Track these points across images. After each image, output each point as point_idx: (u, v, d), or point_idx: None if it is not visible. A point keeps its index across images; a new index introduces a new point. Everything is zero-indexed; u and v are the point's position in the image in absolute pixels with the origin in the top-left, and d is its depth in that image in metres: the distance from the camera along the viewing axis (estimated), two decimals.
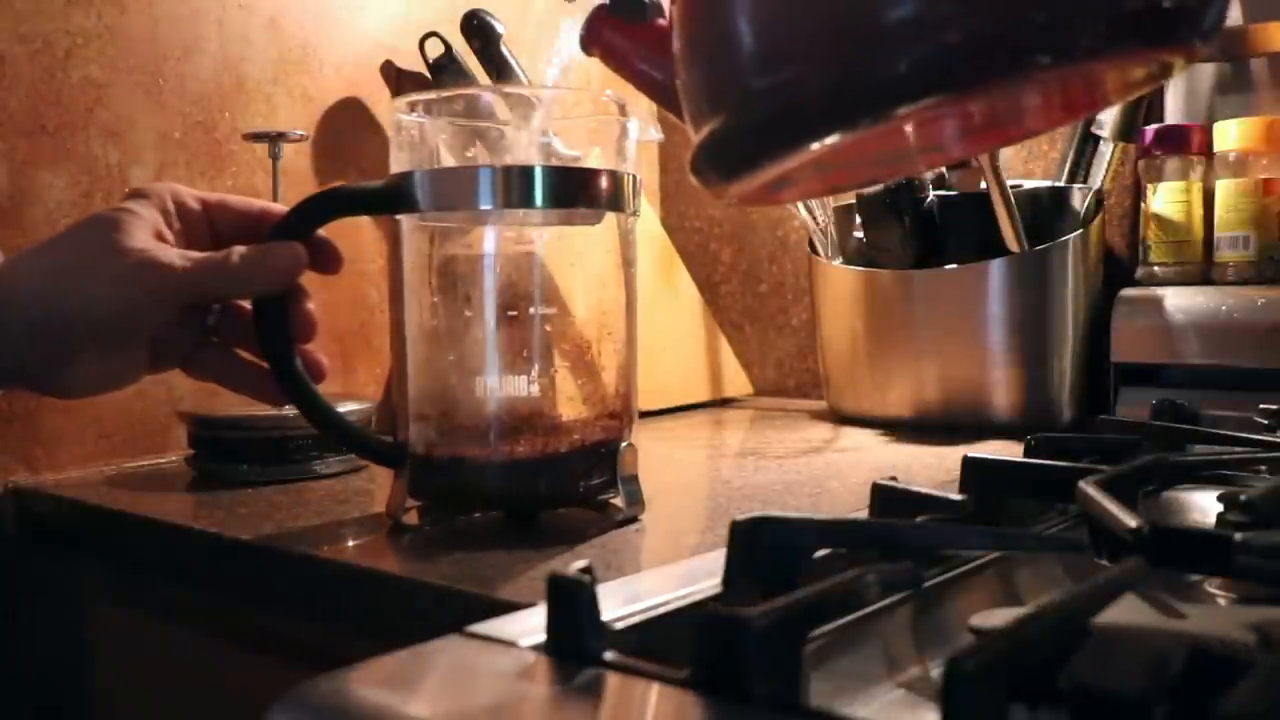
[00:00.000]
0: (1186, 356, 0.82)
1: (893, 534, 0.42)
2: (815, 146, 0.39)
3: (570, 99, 0.59)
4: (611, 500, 0.58)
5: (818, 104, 0.39)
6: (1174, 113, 0.91)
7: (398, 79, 0.92)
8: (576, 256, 0.59)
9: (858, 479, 0.69)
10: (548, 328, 0.57)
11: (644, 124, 0.59)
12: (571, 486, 0.57)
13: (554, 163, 0.55)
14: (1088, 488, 0.43)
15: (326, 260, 0.58)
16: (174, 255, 0.51)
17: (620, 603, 0.37)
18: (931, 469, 0.72)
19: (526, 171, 0.54)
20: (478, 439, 0.56)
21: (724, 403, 1.12)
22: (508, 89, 0.59)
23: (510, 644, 0.35)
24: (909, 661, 0.38)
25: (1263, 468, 0.57)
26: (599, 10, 0.56)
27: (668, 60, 0.52)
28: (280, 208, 0.58)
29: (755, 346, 1.21)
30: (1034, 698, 0.28)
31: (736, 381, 1.14)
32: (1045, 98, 0.48)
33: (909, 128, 0.49)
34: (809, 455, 0.79)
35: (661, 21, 0.56)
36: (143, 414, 0.81)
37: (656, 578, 0.43)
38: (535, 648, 0.35)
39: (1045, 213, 0.89)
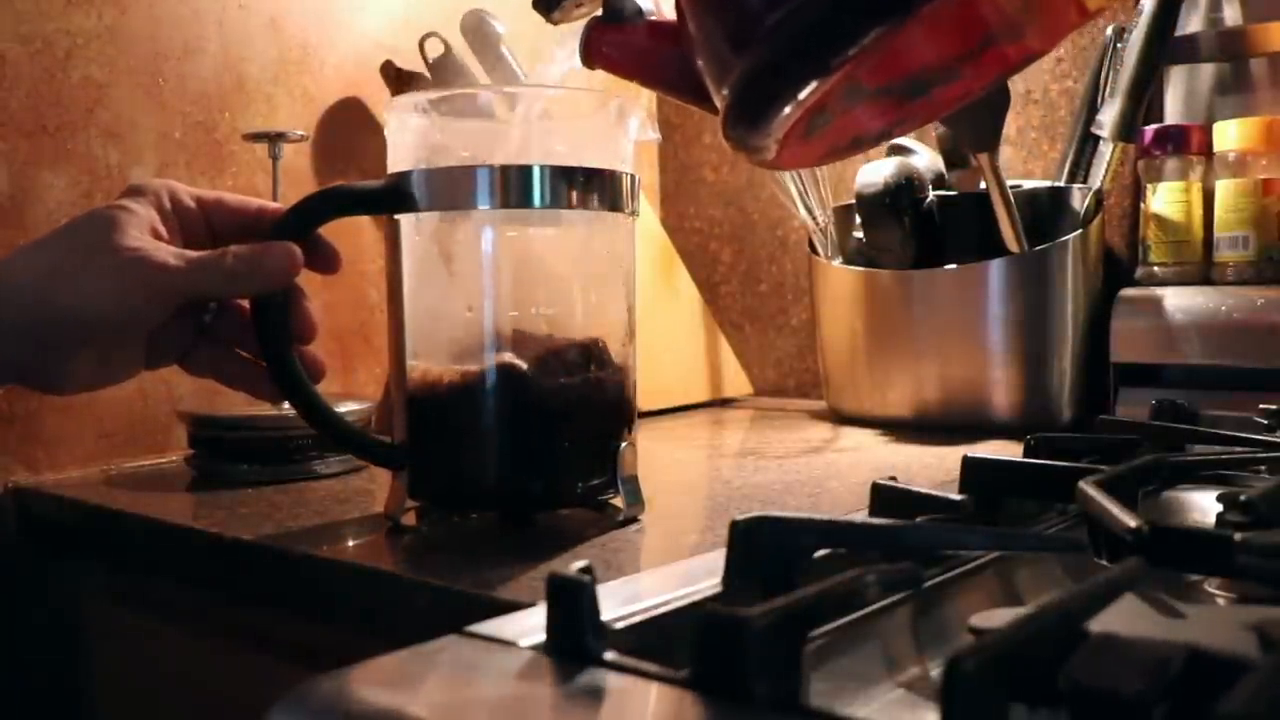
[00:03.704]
0: (1186, 356, 0.82)
1: (893, 534, 0.42)
2: (836, 64, 0.41)
3: (569, 99, 0.59)
4: (611, 500, 0.58)
5: (830, 22, 0.40)
6: (1174, 113, 0.91)
7: (397, 79, 0.92)
8: (576, 256, 0.58)
9: (858, 479, 0.69)
10: (547, 328, 0.57)
11: (642, 124, 0.59)
12: (571, 487, 0.57)
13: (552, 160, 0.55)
14: (1087, 488, 0.43)
15: (325, 260, 0.58)
16: (169, 254, 0.51)
17: (620, 603, 0.37)
18: (931, 469, 0.72)
19: (524, 171, 0.54)
20: (477, 440, 0.55)
21: (724, 403, 1.12)
22: (507, 89, 0.59)
23: (510, 644, 0.35)
24: (909, 661, 0.38)
25: (1263, 468, 0.57)
26: (593, 23, 0.56)
27: (670, 50, 0.53)
28: (277, 206, 0.58)
29: (755, 346, 1.21)
30: (1034, 698, 0.28)
31: (736, 381, 1.14)
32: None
33: (919, 46, 0.50)
34: (809, 455, 0.79)
35: (654, 18, 0.56)
36: (143, 414, 0.81)
37: (656, 578, 0.43)
38: (535, 648, 0.35)
39: (1045, 213, 0.89)
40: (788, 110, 0.44)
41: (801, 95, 0.43)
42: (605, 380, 0.57)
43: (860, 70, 0.44)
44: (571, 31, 0.58)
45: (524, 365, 0.55)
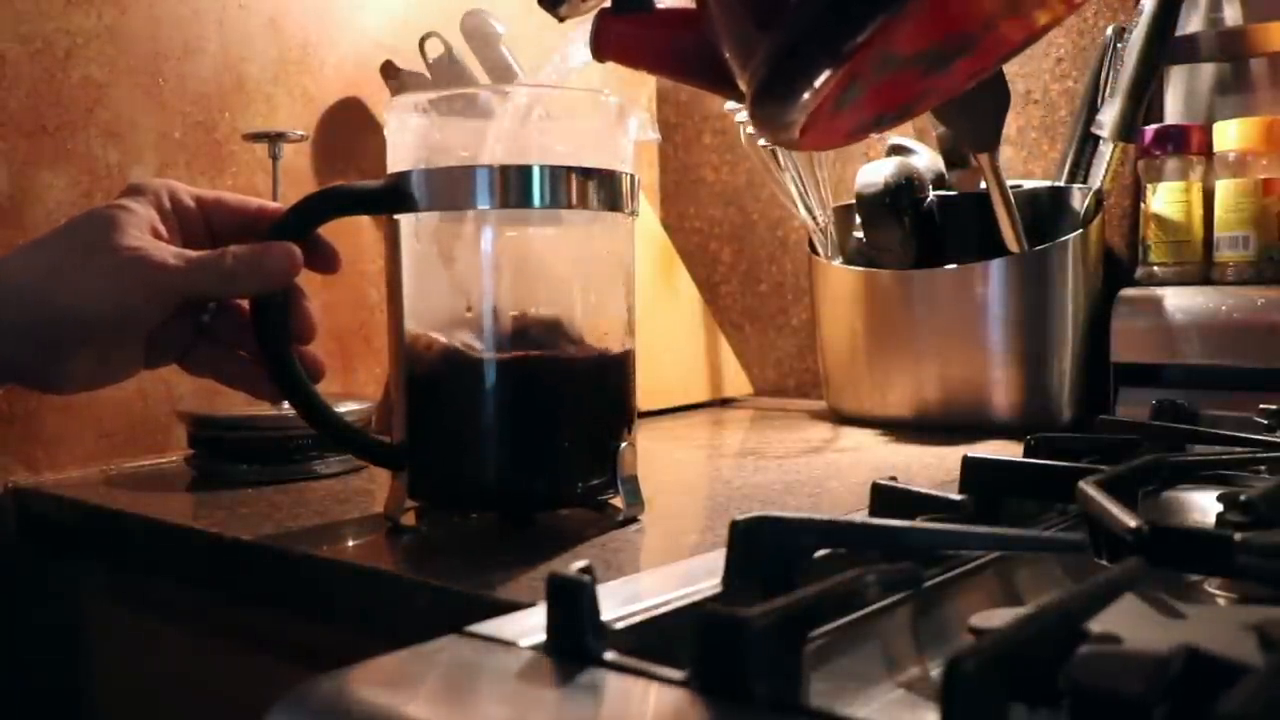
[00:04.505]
0: (1186, 356, 0.82)
1: (893, 534, 0.42)
2: (863, 35, 0.40)
3: (568, 99, 0.59)
4: (611, 500, 0.58)
5: None
6: (1174, 113, 0.91)
7: (398, 79, 0.92)
8: (576, 256, 0.58)
9: (858, 479, 0.69)
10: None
11: (642, 124, 0.59)
12: (571, 487, 0.57)
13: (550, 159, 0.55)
14: (1088, 488, 0.43)
15: (325, 260, 0.58)
16: (168, 253, 0.51)
17: (620, 603, 0.37)
18: (931, 469, 0.72)
19: (524, 171, 0.54)
20: (477, 440, 0.55)
21: (724, 403, 1.12)
22: (507, 89, 0.59)
23: (510, 644, 0.35)
24: (909, 661, 0.38)
25: (1263, 468, 0.57)
26: (603, 14, 0.56)
27: (682, 36, 0.52)
28: (277, 206, 0.58)
29: (755, 346, 1.21)
30: (1034, 698, 0.28)
31: (736, 381, 1.14)
32: None
33: (950, 9, 0.50)
34: (809, 455, 0.79)
35: (662, 5, 0.56)
36: (143, 414, 0.81)
37: (656, 578, 0.43)
38: (535, 648, 0.35)
39: (1045, 213, 0.89)
40: (819, 82, 0.44)
41: (832, 67, 0.43)
42: (577, 357, 0.56)
43: (893, 36, 0.44)
44: (576, 27, 0.58)
45: (479, 345, 0.55)
